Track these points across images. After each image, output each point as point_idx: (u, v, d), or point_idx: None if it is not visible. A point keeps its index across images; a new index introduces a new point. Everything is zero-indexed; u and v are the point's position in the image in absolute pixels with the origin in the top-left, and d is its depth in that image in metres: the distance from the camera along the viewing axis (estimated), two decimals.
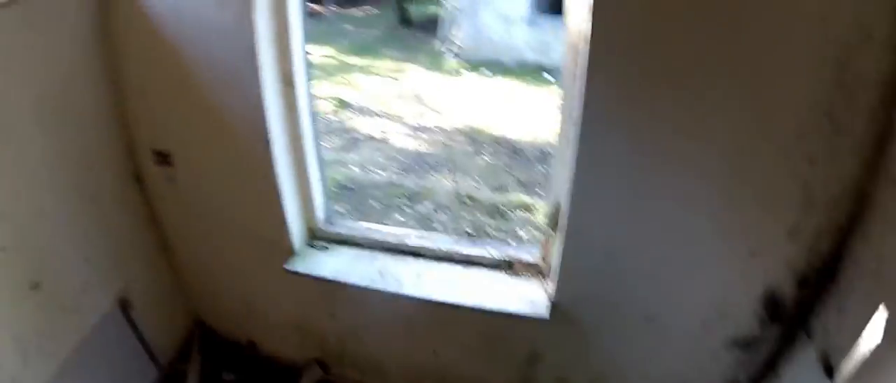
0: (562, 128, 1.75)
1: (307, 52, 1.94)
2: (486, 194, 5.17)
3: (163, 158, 2.06)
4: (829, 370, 1.45)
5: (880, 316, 1.25)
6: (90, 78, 1.89)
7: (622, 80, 1.43)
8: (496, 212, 4.84)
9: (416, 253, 2.15)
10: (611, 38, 1.38)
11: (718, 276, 1.69)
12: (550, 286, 1.93)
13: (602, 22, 1.36)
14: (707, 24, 1.31)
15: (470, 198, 5.02)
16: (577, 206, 1.66)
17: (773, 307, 1.69)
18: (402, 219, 4.68)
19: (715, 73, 1.36)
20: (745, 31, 1.28)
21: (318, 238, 2.20)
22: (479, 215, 4.76)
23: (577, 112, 1.51)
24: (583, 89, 1.45)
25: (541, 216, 4.64)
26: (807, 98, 1.32)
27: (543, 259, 2.02)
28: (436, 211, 4.81)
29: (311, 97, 2.02)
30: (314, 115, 2.05)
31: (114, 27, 1.86)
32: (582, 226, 1.70)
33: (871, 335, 1.28)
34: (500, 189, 5.32)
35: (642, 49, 1.38)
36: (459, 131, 6.73)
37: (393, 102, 7.87)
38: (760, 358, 1.79)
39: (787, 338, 1.71)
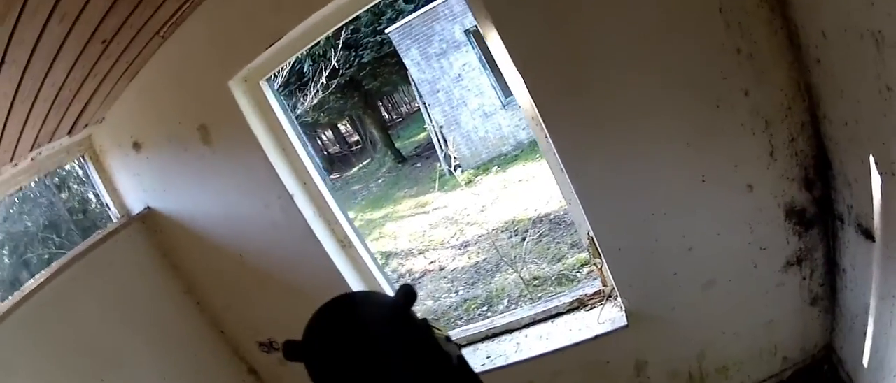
0: (556, 178, 2.19)
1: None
2: (548, 269, 5.54)
3: (269, 346, 2.54)
4: (868, 233, 1.66)
5: (872, 165, 1.49)
6: (174, 303, 2.46)
7: (574, 123, 1.92)
8: (564, 278, 5.18)
9: (507, 330, 2.55)
10: (551, 97, 1.89)
11: (738, 219, 1.97)
12: (619, 300, 2.28)
13: (538, 91, 1.89)
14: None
15: (536, 278, 5.39)
16: (599, 227, 2.07)
17: (798, 217, 1.94)
18: None
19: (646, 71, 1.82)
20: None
21: None
22: (550, 288, 5.10)
23: (557, 160, 2.01)
24: (553, 145, 1.96)
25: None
26: (714, 42, 1.73)
27: (603, 283, 2.40)
28: (513, 305, 5.16)
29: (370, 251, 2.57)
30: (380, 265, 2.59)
31: (175, 260, 2.47)
32: (612, 239, 2.08)
33: (874, 183, 1.50)
34: (558, 259, 5.69)
35: (578, 98, 1.87)
36: (499, 229, 7.24)
37: (430, 233, 8.53)
38: (817, 262, 2.02)
39: (827, 233, 1.96)
